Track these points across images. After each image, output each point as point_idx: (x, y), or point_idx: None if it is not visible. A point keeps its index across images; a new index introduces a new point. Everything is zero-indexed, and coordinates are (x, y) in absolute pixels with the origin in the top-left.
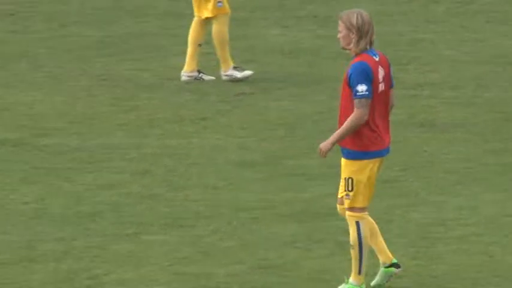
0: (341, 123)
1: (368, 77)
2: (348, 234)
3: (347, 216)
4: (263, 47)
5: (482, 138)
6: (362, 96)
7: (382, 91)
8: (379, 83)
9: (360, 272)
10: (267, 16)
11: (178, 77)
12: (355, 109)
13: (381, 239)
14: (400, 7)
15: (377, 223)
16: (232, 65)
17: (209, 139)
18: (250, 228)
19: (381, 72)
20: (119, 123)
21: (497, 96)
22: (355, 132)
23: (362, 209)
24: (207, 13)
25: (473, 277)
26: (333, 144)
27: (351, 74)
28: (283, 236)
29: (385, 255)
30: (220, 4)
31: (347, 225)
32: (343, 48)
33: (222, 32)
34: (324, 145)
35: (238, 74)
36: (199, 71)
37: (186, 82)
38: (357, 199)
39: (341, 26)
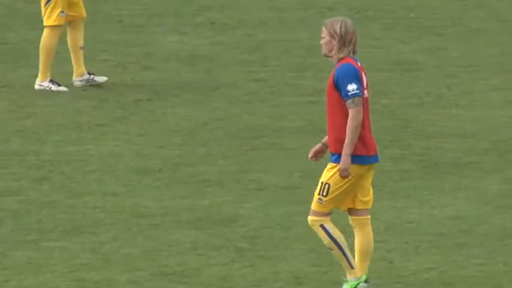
0: (331, 128)
1: (356, 77)
2: (248, 240)
3: (310, 222)
4: (160, 53)
5: (380, 144)
6: (354, 95)
7: (366, 98)
8: (364, 88)
9: (352, 267)
10: (164, 23)
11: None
12: (349, 110)
13: None
14: (297, 14)
15: (276, 230)
16: (49, 77)
17: (107, 146)
18: (150, 235)
19: (364, 78)
20: (16, 130)
21: (395, 103)
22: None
23: (327, 214)
24: (49, 22)
25: (374, 283)
26: (349, 156)
27: (337, 77)
28: (183, 242)
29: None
30: (63, 14)
31: (246, 232)
32: (325, 55)
33: (52, 41)
34: (342, 163)
35: (53, 87)
36: (89, 73)
37: (82, 87)
38: (327, 205)
39: (324, 33)
